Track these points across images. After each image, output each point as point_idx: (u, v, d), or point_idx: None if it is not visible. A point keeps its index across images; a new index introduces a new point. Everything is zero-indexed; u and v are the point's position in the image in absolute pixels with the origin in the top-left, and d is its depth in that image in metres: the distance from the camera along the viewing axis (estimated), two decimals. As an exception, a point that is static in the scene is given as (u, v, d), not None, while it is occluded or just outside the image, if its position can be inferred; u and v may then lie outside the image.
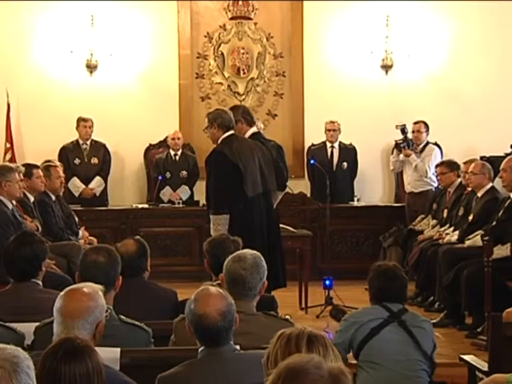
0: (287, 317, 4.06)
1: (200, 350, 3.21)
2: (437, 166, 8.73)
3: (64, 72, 10.03)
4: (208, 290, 3.25)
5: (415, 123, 9.31)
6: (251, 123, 6.87)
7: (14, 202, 6.73)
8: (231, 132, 6.53)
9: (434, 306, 7.62)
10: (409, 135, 9.29)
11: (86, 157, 9.75)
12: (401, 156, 9.34)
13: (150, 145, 10.12)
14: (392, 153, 9.69)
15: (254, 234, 6.33)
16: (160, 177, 9.62)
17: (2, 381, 2.00)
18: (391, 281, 4.44)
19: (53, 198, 7.61)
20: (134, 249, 4.48)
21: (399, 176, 9.99)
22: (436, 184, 9.01)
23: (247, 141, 6.69)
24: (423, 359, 4.34)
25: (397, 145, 9.33)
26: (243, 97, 10.27)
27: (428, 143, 9.40)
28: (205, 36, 10.23)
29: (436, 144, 9.60)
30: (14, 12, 9.92)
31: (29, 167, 7.29)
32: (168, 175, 9.73)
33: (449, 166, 8.38)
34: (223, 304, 3.19)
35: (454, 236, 7.60)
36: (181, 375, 3.13)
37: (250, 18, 10.23)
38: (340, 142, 9.95)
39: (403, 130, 9.18)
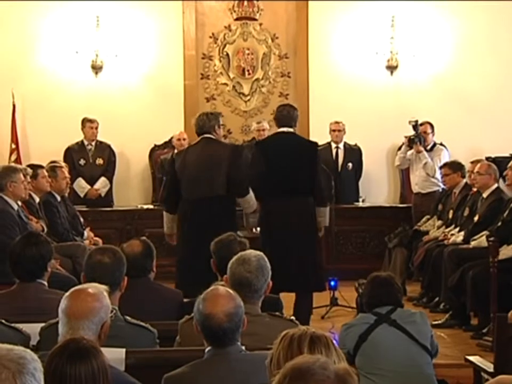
0: (292, 317, 4.06)
1: (206, 350, 3.21)
2: (440, 167, 8.71)
3: (69, 73, 10.04)
4: (217, 291, 3.25)
5: (420, 125, 9.28)
6: (278, 125, 6.89)
7: (19, 203, 6.74)
8: (202, 135, 6.59)
9: (440, 307, 7.60)
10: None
11: (91, 157, 9.76)
12: (409, 153, 9.29)
13: (155, 145, 10.12)
14: (400, 149, 9.64)
15: (190, 237, 6.51)
16: (165, 178, 9.62)
17: (5, 381, 1.99)
18: (381, 288, 4.45)
19: (58, 198, 7.61)
20: (139, 249, 4.48)
21: (405, 177, 9.97)
22: (443, 185, 8.97)
23: (205, 145, 6.62)
24: (424, 351, 4.33)
25: (410, 141, 9.23)
26: (248, 97, 10.28)
27: (435, 143, 9.38)
28: (210, 37, 10.24)
29: (441, 145, 9.57)
30: (19, 13, 9.94)
31: (34, 168, 7.29)
32: (173, 175, 9.73)
33: (452, 167, 8.36)
34: (230, 305, 3.19)
35: (460, 237, 7.59)
36: (187, 375, 3.13)
37: (255, 19, 10.24)
38: (345, 143, 9.94)
39: (415, 126, 9.13)
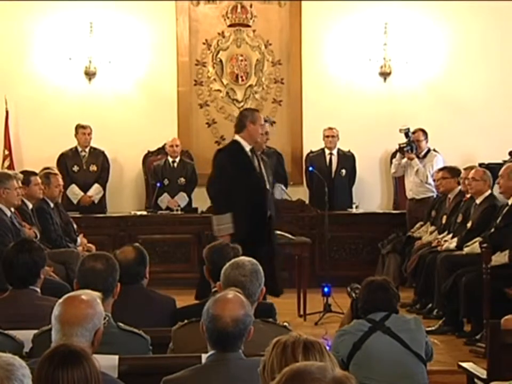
0: (286, 324, 4.06)
1: (208, 354, 3.20)
2: (439, 170, 8.67)
3: (62, 79, 10.04)
4: (229, 295, 3.25)
5: (413, 132, 9.28)
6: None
7: (12, 209, 6.73)
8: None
9: (433, 313, 7.61)
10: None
11: (84, 164, 9.75)
12: (403, 160, 9.32)
13: (149, 152, 10.12)
14: (395, 156, 9.66)
15: None
16: (158, 184, 9.62)
17: None
18: (377, 293, 4.40)
19: (52, 205, 7.61)
20: (132, 256, 4.47)
21: (398, 183, 9.98)
22: (437, 191, 8.97)
23: None
24: (418, 360, 4.31)
25: (400, 149, 9.29)
26: (242, 104, 10.28)
27: (429, 150, 9.39)
28: (204, 43, 10.24)
29: (435, 151, 9.57)
30: (12, 19, 9.94)
31: (27, 175, 7.29)
32: (166, 182, 9.73)
33: (451, 171, 8.36)
34: (239, 311, 3.18)
35: (453, 243, 7.60)
36: (185, 379, 3.12)
37: (248, 26, 10.25)
38: (339, 149, 9.95)
39: (407, 134, 9.15)
